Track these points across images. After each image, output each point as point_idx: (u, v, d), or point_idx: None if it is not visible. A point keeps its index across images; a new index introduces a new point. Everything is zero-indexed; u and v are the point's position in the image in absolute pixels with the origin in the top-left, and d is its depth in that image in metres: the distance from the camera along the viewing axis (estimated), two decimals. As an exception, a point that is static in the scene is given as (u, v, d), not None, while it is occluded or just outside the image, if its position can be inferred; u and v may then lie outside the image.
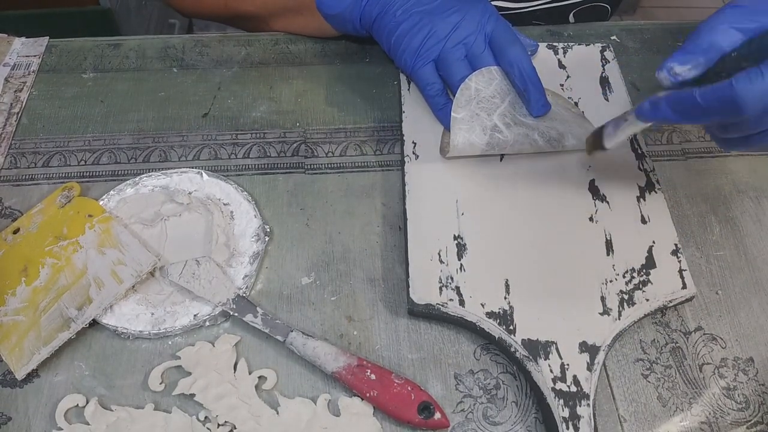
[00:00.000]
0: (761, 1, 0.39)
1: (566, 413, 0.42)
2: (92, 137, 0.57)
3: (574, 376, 0.43)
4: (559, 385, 0.43)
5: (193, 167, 0.55)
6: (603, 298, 0.46)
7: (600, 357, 0.44)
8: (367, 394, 0.43)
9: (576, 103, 0.58)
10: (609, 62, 0.61)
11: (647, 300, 0.46)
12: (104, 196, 0.52)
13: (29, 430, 0.43)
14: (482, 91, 0.53)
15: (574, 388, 0.43)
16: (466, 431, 0.43)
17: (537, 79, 0.52)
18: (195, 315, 0.46)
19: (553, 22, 0.69)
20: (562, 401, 0.42)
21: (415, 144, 0.54)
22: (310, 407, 0.43)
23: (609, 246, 0.49)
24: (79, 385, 0.44)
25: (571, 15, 0.72)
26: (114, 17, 1.27)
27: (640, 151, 0.55)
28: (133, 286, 0.47)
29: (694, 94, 0.38)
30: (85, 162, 0.56)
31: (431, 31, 0.53)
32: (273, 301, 0.48)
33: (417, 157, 0.54)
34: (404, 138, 0.55)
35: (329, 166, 0.56)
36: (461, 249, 0.49)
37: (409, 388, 0.43)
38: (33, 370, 0.44)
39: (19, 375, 0.44)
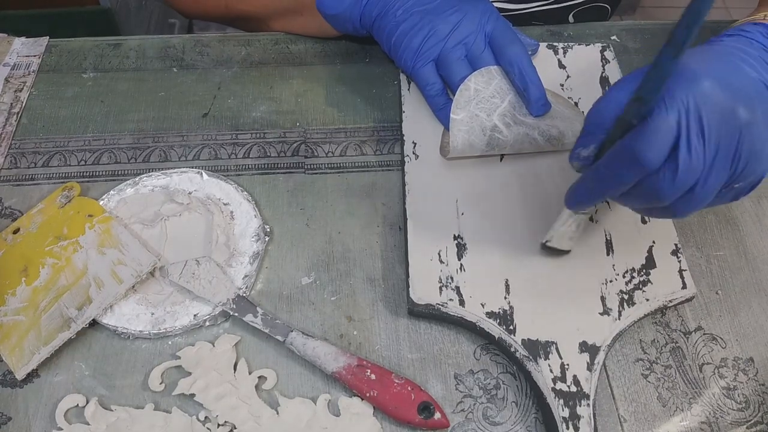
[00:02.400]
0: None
1: (566, 413, 0.42)
2: (92, 137, 0.57)
3: (574, 376, 0.43)
4: (559, 385, 0.43)
5: (193, 167, 0.55)
6: (603, 298, 0.46)
7: (600, 357, 0.44)
8: (367, 394, 0.43)
9: (576, 103, 0.58)
10: (609, 62, 0.61)
11: (647, 300, 0.46)
12: (104, 196, 0.52)
13: (29, 430, 0.43)
14: (482, 91, 0.53)
15: (574, 388, 0.43)
16: (466, 431, 0.43)
17: (537, 79, 0.52)
18: (195, 315, 0.46)
19: (552, 22, 0.69)
20: (562, 401, 0.42)
21: (415, 144, 0.54)
22: (310, 407, 0.43)
23: (609, 246, 0.49)
24: (79, 385, 0.44)
25: (571, 15, 0.72)
26: (114, 17, 1.27)
27: (640, 151, 0.54)
28: (133, 286, 0.47)
29: (597, 166, 0.39)
30: (85, 162, 0.56)
31: (431, 31, 0.53)
32: (273, 301, 0.48)
33: (417, 157, 0.54)
34: (404, 138, 0.55)
35: (329, 166, 0.56)
36: (461, 249, 0.49)
37: (409, 388, 0.43)
38: (33, 370, 0.44)
39: (19, 375, 0.44)
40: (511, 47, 0.53)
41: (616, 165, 0.37)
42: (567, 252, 0.48)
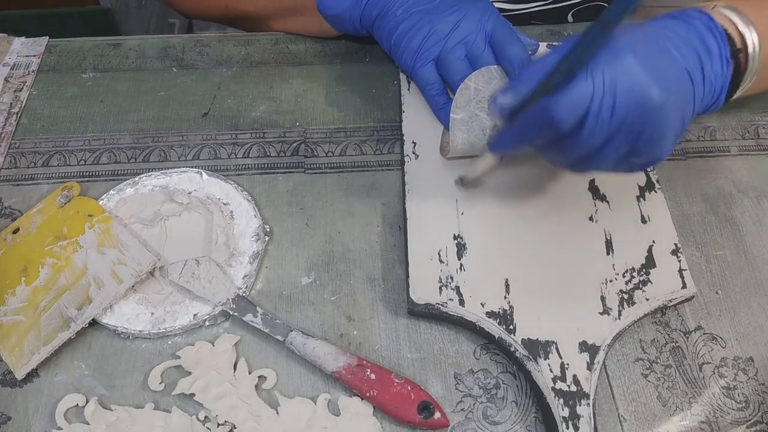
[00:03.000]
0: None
1: (566, 413, 0.42)
2: (92, 137, 0.57)
3: (574, 376, 0.43)
4: (559, 385, 0.43)
5: (192, 167, 0.55)
6: (603, 298, 0.46)
7: (600, 356, 0.44)
8: (367, 394, 0.43)
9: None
10: (609, 62, 0.61)
11: (647, 300, 0.46)
12: (104, 196, 0.52)
13: (29, 430, 0.43)
14: (481, 90, 0.52)
15: (574, 388, 0.43)
16: (466, 431, 0.43)
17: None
18: (195, 315, 0.46)
19: (552, 22, 0.69)
20: (562, 401, 0.42)
21: (415, 144, 0.54)
22: (310, 407, 0.43)
23: (609, 246, 0.49)
24: (79, 385, 0.44)
25: (570, 15, 0.72)
26: (114, 17, 1.27)
27: (640, 151, 0.55)
28: (133, 286, 0.47)
29: (519, 120, 0.42)
30: (85, 162, 0.56)
31: (431, 31, 0.53)
32: (273, 301, 0.48)
33: (417, 156, 0.54)
34: (404, 138, 0.55)
35: (329, 165, 0.56)
36: (461, 249, 0.49)
37: (409, 388, 0.43)
38: (33, 369, 0.44)
39: (19, 375, 0.44)
40: (511, 47, 0.53)
41: (535, 120, 0.40)
42: (475, 186, 0.50)
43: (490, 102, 0.44)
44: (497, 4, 0.68)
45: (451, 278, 0.47)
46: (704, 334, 0.48)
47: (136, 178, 0.53)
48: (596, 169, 0.43)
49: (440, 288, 0.47)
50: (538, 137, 0.42)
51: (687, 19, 0.43)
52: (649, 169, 0.53)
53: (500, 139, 0.45)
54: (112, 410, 0.43)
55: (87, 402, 0.43)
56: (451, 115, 0.52)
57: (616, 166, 0.42)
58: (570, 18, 0.72)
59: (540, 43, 0.61)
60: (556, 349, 0.44)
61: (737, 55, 0.43)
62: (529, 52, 0.56)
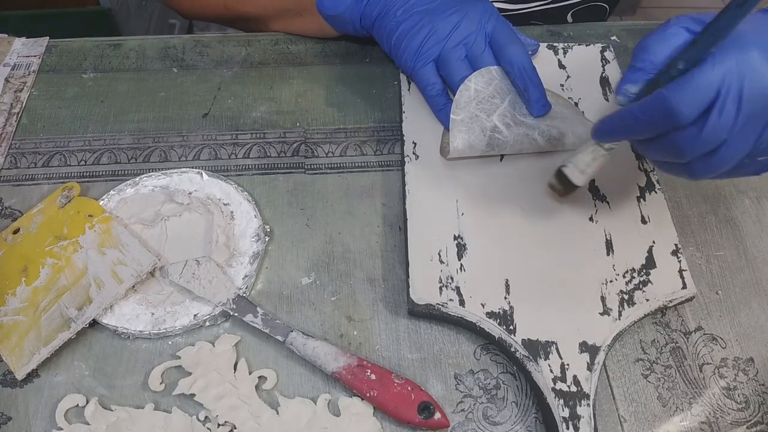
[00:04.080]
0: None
1: (566, 413, 0.42)
2: (92, 137, 0.57)
3: (574, 376, 0.43)
4: (559, 385, 0.43)
5: (193, 167, 0.55)
6: (603, 298, 0.46)
7: (600, 357, 0.44)
8: (367, 394, 0.43)
9: (576, 104, 0.58)
10: (609, 62, 0.61)
11: (647, 300, 0.46)
12: (104, 196, 0.52)
13: (29, 430, 0.43)
14: (482, 91, 0.53)
15: (574, 388, 0.43)
16: (466, 431, 0.43)
17: (537, 79, 0.52)
18: (195, 315, 0.46)
19: (551, 22, 0.69)
20: (562, 401, 0.42)
21: (415, 144, 0.54)
22: (310, 407, 0.43)
23: (609, 246, 0.49)
24: (79, 385, 0.44)
25: (570, 15, 0.72)
26: (114, 17, 1.27)
27: (640, 151, 0.55)
28: (133, 286, 0.47)
29: (632, 107, 0.39)
30: (85, 162, 0.56)
31: (431, 31, 0.53)
32: (273, 301, 0.48)
33: (417, 157, 0.54)
34: (404, 138, 0.55)
35: (329, 166, 0.56)
36: (461, 249, 0.49)
37: (409, 388, 0.43)
38: (33, 370, 0.44)
39: (19, 375, 0.44)
40: (511, 47, 0.53)
41: (650, 111, 0.37)
42: (574, 189, 0.47)
43: (615, 90, 0.42)
44: (496, 4, 0.68)
45: (452, 278, 0.47)
46: (704, 334, 0.48)
47: (137, 179, 0.53)
48: (716, 169, 0.38)
49: (440, 288, 0.47)
50: (650, 130, 0.39)
51: None
52: (649, 170, 0.53)
53: (606, 125, 0.42)
54: (112, 410, 0.43)
55: (87, 402, 0.43)
56: (451, 115, 0.52)
57: (741, 167, 0.39)
58: (569, 18, 0.72)
59: (540, 44, 0.62)
60: (557, 349, 0.44)
61: None
62: (529, 53, 0.56)
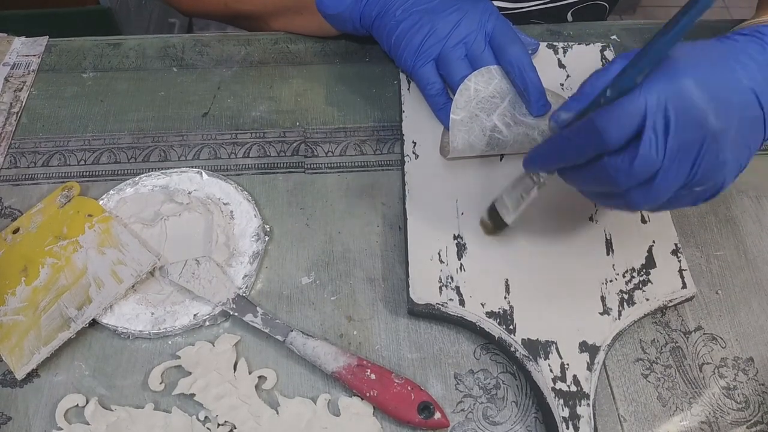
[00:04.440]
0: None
1: (566, 413, 0.42)
2: (92, 137, 0.57)
3: (574, 376, 0.43)
4: (559, 385, 0.43)
5: (192, 167, 0.55)
6: (603, 298, 0.46)
7: (600, 357, 0.44)
8: (367, 394, 0.43)
9: (576, 103, 0.58)
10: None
11: (647, 300, 0.46)
12: (104, 196, 0.52)
13: (29, 430, 0.43)
14: (481, 91, 0.52)
15: (574, 388, 0.43)
16: (466, 431, 0.43)
17: (537, 79, 0.52)
18: (195, 315, 0.46)
19: (551, 21, 0.69)
20: (562, 401, 0.42)
21: (415, 144, 0.54)
22: (310, 407, 0.43)
23: (609, 246, 0.49)
24: (79, 385, 0.44)
25: (570, 14, 0.72)
26: (114, 17, 1.27)
27: (640, 151, 0.54)
28: (133, 286, 0.47)
29: (563, 132, 0.39)
30: (85, 162, 0.56)
31: (431, 30, 0.53)
32: (273, 301, 0.48)
33: (417, 156, 0.54)
34: (404, 138, 0.55)
35: (329, 165, 0.56)
36: (461, 249, 0.49)
37: (409, 388, 0.43)
38: (33, 370, 0.44)
39: (19, 375, 0.44)
40: (511, 47, 0.53)
41: (579, 133, 0.38)
42: (504, 226, 0.47)
43: (549, 119, 0.42)
44: (496, 3, 0.68)
45: (451, 278, 0.47)
46: (704, 334, 0.48)
47: (136, 178, 0.53)
48: (654, 200, 0.38)
49: (440, 288, 0.47)
50: (579, 153, 0.38)
51: (760, 36, 0.40)
52: None
53: (536, 153, 0.42)
54: (112, 410, 0.43)
55: (87, 402, 0.43)
56: (451, 115, 0.51)
57: (677, 198, 0.39)
58: (569, 17, 0.72)
59: (540, 43, 0.62)
60: (556, 349, 0.44)
61: None
62: (529, 52, 0.56)
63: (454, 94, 0.53)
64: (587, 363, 0.44)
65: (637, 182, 0.37)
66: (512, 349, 0.44)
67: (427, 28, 0.53)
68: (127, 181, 0.53)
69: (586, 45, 0.63)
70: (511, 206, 0.46)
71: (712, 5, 0.33)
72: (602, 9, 0.75)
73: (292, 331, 0.45)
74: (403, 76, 0.59)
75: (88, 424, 0.42)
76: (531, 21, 0.71)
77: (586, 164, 0.39)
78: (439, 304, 0.46)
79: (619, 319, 0.45)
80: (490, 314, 0.46)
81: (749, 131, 0.37)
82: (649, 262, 0.48)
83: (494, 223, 0.48)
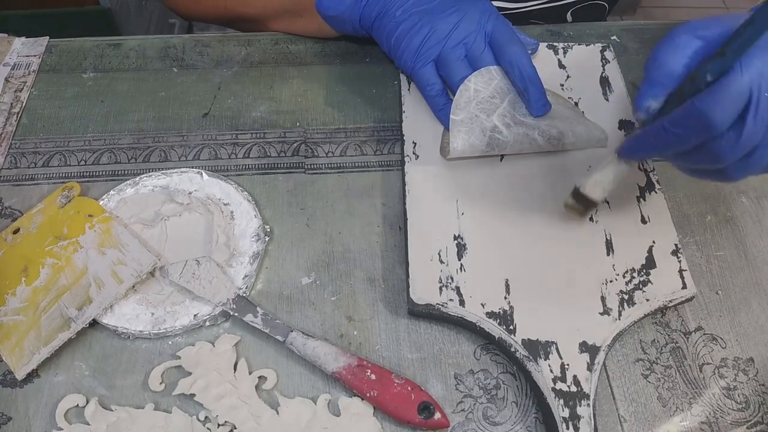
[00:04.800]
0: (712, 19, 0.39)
1: (566, 413, 0.42)
2: (92, 137, 0.57)
3: (574, 376, 0.43)
4: (559, 385, 0.43)
5: (193, 167, 0.55)
6: (603, 298, 0.46)
7: (600, 357, 0.44)
8: (367, 394, 0.43)
9: (576, 103, 0.58)
10: (609, 62, 0.61)
11: (647, 300, 0.46)
12: (104, 196, 0.52)
13: (29, 430, 0.43)
14: (481, 91, 0.52)
15: (574, 388, 0.43)
16: (466, 431, 0.43)
17: (537, 79, 0.52)
18: (195, 315, 0.46)
19: (551, 21, 0.69)
20: (562, 401, 0.42)
21: (415, 144, 0.54)
22: (310, 407, 0.43)
23: (609, 246, 0.49)
24: (79, 385, 0.44)
25: (569, 13, 0.72)
26: (114, 17, 1.27)
27: (640, 151, 0.55)
28: (133, 286, 0.47)
29: (663, 123, 0.38)
30: (85, 162, 0.56)
31: (431, 31, 0.53)
32: (273, 301, 0.48)
33: (417, 157, 0.54)
34: (404, 138, 0.55)
35: (329, 166, 0.56)
36: (461, 249, 0.49)
37: (409, 388, 0.43)
38: (33, 370, 0.44)
39: (19, 375, 0.44)
40: (511, 47, 0.53)
41: (682, 123, 0.37)
42: (595, 205, 0.46)
43: (635, 107, 0.41)
44: (496, 3, 0.68)
45: (452, 278, 0.47)
46: (704, 334, 0.48)
47: (137, 179, 0.53)
48: (753, 171, 0.39)
49: (440, 288, 0.47)
50: (685, 143, 0.38)
51: None
52: (649, 170, 0.53)
53: (636, 145, 0.41)
54: (112, 410, 0.43)
55: (87, 402, 0.43)
56: (451, 116, 0.52)
57: None
58: (569, 17, 0.72)
59: (540, 43, 0.62)
60: (557, 349, 0.44)
61: None
62: (529, 52, 0.56)
63: (454, 95, 0.53)
64: (587, 363, 0.44)
65: (739, 158, 0.38)
66: (512, 349, 0.44)
67: (427, 29, 0.53)
68: (128, 182, 0.53)
69: (586, 45, 0.63)
70: (603, 187, 0.45)
71: None
72: (602, 9, 0.75)
73: (292, 331, 0.45)
74: (403, 77, 0.59)
75: (88, 424, 0.42)
76: (531, 21, 0.71)
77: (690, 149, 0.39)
78: (439, 304, 0.46)
79: (619, 319, 0.45)
80: (490, 314, 0.46)
81: None
82: (649, 263, 0.48)
83: (584, 205, 0.47)
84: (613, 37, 0.67)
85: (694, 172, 0.42)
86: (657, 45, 0.40)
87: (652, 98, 0.40)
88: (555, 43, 0.62)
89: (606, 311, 0.46)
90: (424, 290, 0.46)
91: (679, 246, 0.49)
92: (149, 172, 0.54)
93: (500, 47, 0.53)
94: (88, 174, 0.55)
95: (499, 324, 0.45)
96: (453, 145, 0.51)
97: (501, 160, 0.54)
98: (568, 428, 0.41)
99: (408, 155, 0.54)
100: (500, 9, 0.69)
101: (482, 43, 0.54)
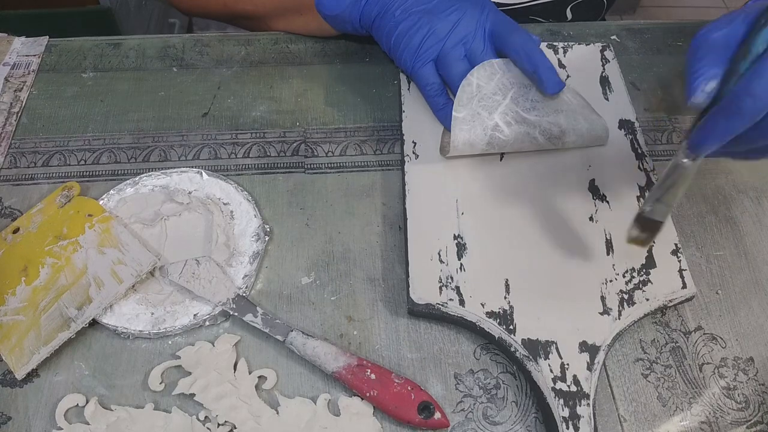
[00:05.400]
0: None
1: (566, 413, 0.42)
2: (92, 137, 0.57)
3: (574, 376, 0.43)
4: (559, 385, 0.43)
5: (192, 167, 0.55)
6: (603, 298, 0.46)
7: (600, 357, 0.44)
8: (367, 394, 0.43)
9: (576, 103, 0.58)
10: (609, 62, 0.61)
11: (647, 300, 0.46)
12: (104, 196, 0.52)
13: (29, 430, 0.43)
14: (483, 87, 0.52)
15: (574, 388, 0.43)
16: (466, 431, 0.43)
17: (545, 58, 0.51)
18: (195, 315, 0.46)
19: (550, 17, 0.69)
20: (562, 401, 0.42)
21: (415, 144, 0.54)
22: (310, 407, 0.43)
23: (609, 246, 0.49)
24: (79, 385, 0.44)
25: (569, 10, 0.72)
26: (114, 17, 1.27)
27: (640, 151, 0.55)
28: (133, 286, 0.47)
29: (735, 94, 0.36)
30: (85, 161, 0.56)
31: (430, 30, 0.53)
32: (273, 301, 0.48)
33: (417, 156, 0.54)
34: (404, 138, 0.55)
35: (329, 165, 0.56)
36: (461, 249, 0.49)
37: (409, 388, 0.43)
38: (33, 369, 0.44)
39: (19, 375, 0.44)
40: (513, 35, 0.52)
41: (753, 94, 0.35)
42: (660, 227, 0.43)
43: (688, 93, 0.38)
44: (495, 0, 0.68)
45: (451, 278, 0.47)
46: (704, 334, 0.48)
47: (137, 178, 0.53)
48: None
49: (440, 288, 0.47)
50: (757, 115, 0.35)
51: None
52: (649, 169, 0.53)
53: (706, 130, 0.38)
54: (112, 410, 0.43)
55: (87, 402, 0.43)
56: (453, 113, 0.51)
57: None
58: (568, 13, 0.71)
59: (540, 41, 0.62)
60: (556, 349, 0.44)
61: None
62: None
63: (453, 94, 0.53)
64: (587, 363, 0.44)
65: None
66: (512, 349, 0.44)
67: (426, 29, 0.53)
68: (127, 181, 0.53)
69: (586, 45, 0.63)
70: (668, 202, 0.42)
71: None
72: (600, 4, 0.75)
73: (292, 331, 0.45)
74: (403, 77, 0.59)
75: (88, 424, 0.42)
76: (531, 18, 0.71)
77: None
78: (439, 304, 0.46)
79: (619, 319, 0.45)
80: (490, 314, 0.46)
81: None
82: (649, 262, 0.48)
83: (649, 230, 0.44)
84: (612, 37, 0.67)
85: (749, 151, 0.40)
86: (700, 32, 0.38)
87: (710, 79, 0.37)
88: (555, 43, 0.62)
89: (606, 311, 0.46)
90: (424, 290, 0.46)
91: (679, 246, 0.49)
92: (149, 171, 0.54)
93: (502, 38, 0.52)
94: (87, 174, 0.55)
95: (499, 324, 0.45)
96: (454, 143, 0.51)
97: (501, 159, 0.54)
98: (568, 428, 0.41)
99: (408, 155, 0.54)
100: (500, 5, 0.69)
101: (482, 42, 0.54)
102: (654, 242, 0.48)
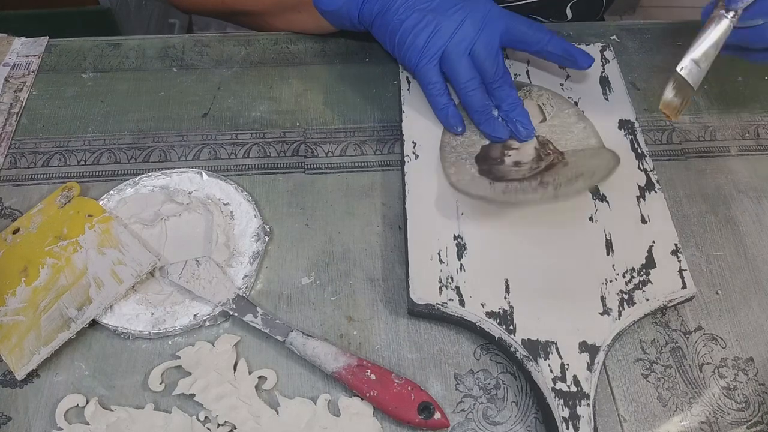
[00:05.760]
0: None
1: (566, 413, 0.42)
2: (92, 137, 0.57)
3: (574, 376, 0.43)
4: (559, 385, 0.43)
5: (193, 167, 0.55)
6: (603, 298, 0.46)
7: (600, 357, 0.44)
8: (367, 394, 0.43)
9: (576, 103, 0.58)
10: (609, 62, 0.61)
11: (647, 300, 0.46)
12: (104, 196, 0.52)
13: (29, 430, 0.43)
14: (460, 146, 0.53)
15: (574, 388, 0.43)
16: (466, 431, 0.43)
17: (571, 45, 0.54)
18: (195, 315, 0.46)
19: (549, 15, 0.69)
20: (562, 401, 0.42)
21: (415, 144, 0.54)
22: (310, 407, 0.43)
23: (609, 246, 0.49)
24: (79, 385, 0.44)
25: (568, 8, 0.72)
26: (114, 17, 1.27)
27: (640, 151, 0.55)
28: (133, 286, 0.47)
29: None
30: (85, 162, 0.56)
31: (436, 29, 0.53)
32: (273, 301, 0.48)
33: (417, 157, 0.54)
34: (404, 138, 0.55)
35: (329, 166, 0.56)
36: (461, 249, 0.49)
37: (409, 388, 0.43)
38: (33, 370, 0.44)
39: (19, 375, 0.44)
40: (526, 28, 0.53)
41: None
42: (690, 95, 0.46)
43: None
44: None
45: (451, 278, 0.47)
46: (704, 334, 0.48)
47: (137, 179, 0.53)
48: None
49: (440, 288, 0.47)
50: None
51: None
52: (648, 169, 0.53)
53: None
54: (112, 410, 0.43)
55: (87, 402, 0.43)
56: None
57: None
58: (568, 12, 0.71)
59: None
60: (556, 349, 0.44)
61: None
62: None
63: (457, 95, 0.52)
64: (587, 363, 0.44)
65: None
66: (512, 349, 0.44)
67: (432, 27, 0.53)
68: (128, 182, 0.53)
69: (586, 45, 0.63)
70: (701, 63, 0.45)
71: None
72: (600, 2, 0.75)
73: (292, 331, 0.45)
74: (403, 77, 0.59)
75: (88, 424, 0.42)
76: (530, 16, 0.71)
77: None
78: (439, 304, 0.46)
79: (619, 319, 0.45)
80: (490, 314, 0.46)
81: None
82: (649, 262, 0.48)
83: (681, 96, 0.47)
84: (612, 37, 0.67)
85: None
86: None
87: None
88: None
89: (606, 311, 0.46)
90: (424, 290, 0.46)
91: (679, 246, 0.49)
92: (149, 172, 0.54)
93: (516, 33, 0.54)
94: (87, 174, 0.55)
95: (499, 324, 0.45)
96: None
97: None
98: (568, 428, 0.41)
99: (408, 155, 0.54)
100: (499, 3, 0.69)
101: (487, 41, 0.53)
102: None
